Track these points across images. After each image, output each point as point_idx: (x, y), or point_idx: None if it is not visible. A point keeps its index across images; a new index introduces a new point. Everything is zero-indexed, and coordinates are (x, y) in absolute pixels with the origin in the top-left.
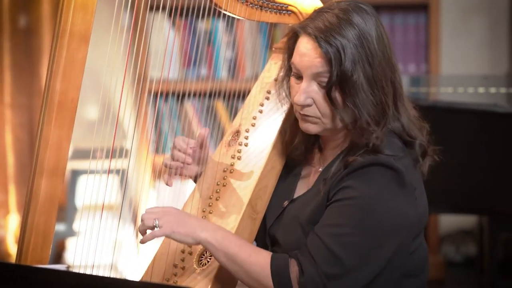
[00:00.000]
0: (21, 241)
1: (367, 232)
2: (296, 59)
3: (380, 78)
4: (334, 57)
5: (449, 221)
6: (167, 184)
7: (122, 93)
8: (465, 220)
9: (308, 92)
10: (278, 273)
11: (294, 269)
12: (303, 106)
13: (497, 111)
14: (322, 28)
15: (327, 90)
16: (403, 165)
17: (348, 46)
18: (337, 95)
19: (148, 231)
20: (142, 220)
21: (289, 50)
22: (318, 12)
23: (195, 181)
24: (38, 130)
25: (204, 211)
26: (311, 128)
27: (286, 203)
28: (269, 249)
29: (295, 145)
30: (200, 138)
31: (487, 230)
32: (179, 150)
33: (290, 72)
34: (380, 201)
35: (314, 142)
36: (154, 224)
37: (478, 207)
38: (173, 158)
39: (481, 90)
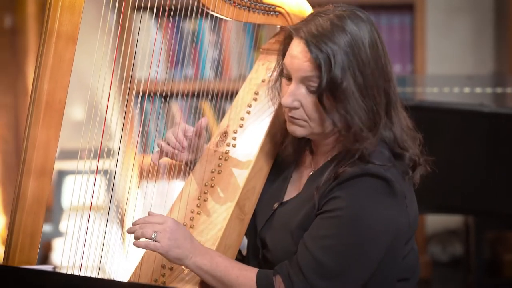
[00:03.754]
0: (9, 242)
1: (356, 243)
2: (287, 60)
3: (371, 86)
4: (324, 63)
5: (435, 221)
6: (153, 162)
7: (110, 93)
8: (451, 220)
9: (296, 95)
10: None
11: (281, 287)
12: (290, 109)
13: (482, 111)
14: (314, 33)
15: (318, 96)
16: (392, 174)
17: (338, 53)
18: (327, 101)
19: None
20: (140, 228)
21: (283, 50)
22: (313, 16)
23: (186, 164)
24: (25, 131)
25: (192, 212)
26: (298, 131)
27: (276, 205)
28: (259, 252)
29: (285, 145)
30: (198, 127)
31: (473, 230)
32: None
33: (282, 73)
34: (368, 212)
35: (305, 145)
36: (152, 237)
37: (464, 207)
38: (167, 142)
39: (466, 90)
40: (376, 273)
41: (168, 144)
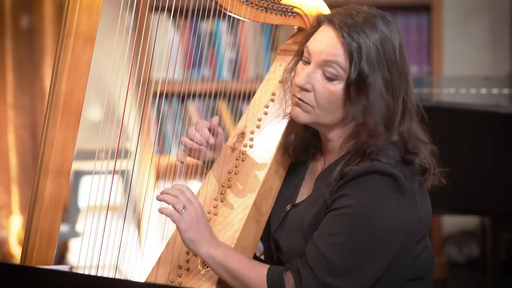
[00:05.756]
0: (26, 242)
1: (365, 240)
2: (311, 43)
3: (395, 87)
4: (356, 51)
5: (451, 222)
6: (179, 160)
7: (127, 94)
8: (467, 221)
9: (311, 77)
10: (274, 287)
11: (290, 282)
12: (301, 89)
13: (499, 112)
14: (348, 22)
15: (346, 85)
16: (400, 171)
17: (370, 46)
18: (352, 91)
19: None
20: (175, 195)
21: (308, 36)
22: (346, 9)
23: (204, 163)
24: (43, 131)
25: (209, 213)
26: (302, 116)
27: (288, 207)
28: (274, 254)
29: (289, 140)
30: (210, 126)
31: (489, 231)
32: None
33: (301, 58)
34: (377, 209)
35: (316, 146)
36: (180, 210)
37: (481, 208)
38: (190, 137)
39: (483, 91)
40: (387, 272)
41: (192, 141)
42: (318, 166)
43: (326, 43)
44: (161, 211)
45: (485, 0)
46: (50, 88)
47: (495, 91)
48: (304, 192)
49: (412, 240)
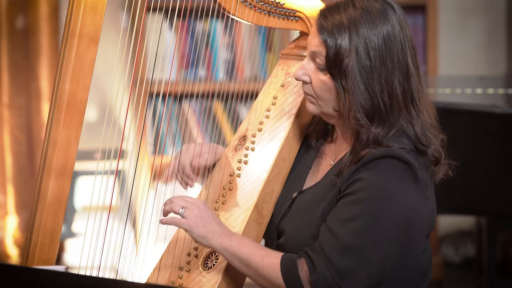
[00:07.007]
0: (29, 241)
1: (378, 224)
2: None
3: (378, 73)
4: (330, 40)
5: (448, 222)
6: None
7: (123, 95)
8: (463, 221)
9: (306, 69)
10: (289, 274)
11: (303, 268)
12: (303, 82)
13: (495, 112)
14: (331, 13)
15: (328, 69)
16: (415, 159)
17: (347, 34)
18: (334, 77)
19: (171, 215)
20: (170, 202)
21: None
22: (335, 4)
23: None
24: (46, 131)
25: None
26: (311, 108)
27: (295, 194)
28: (274, 242)
29: (310, 130)
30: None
31: (485, 231)
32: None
33: None
34: (391, 192)
35: (327, 136)
36: (180, 212)
37: (477, 208)
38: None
39: (479, 91)
40: (399, 270)
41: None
42: (327, 155)
43: (313, 35)
44: (162, 222)
45: (481, 0)
46: (53, 87)
47: (490, 91)
48: (310, 180)
49: (422, 232)
